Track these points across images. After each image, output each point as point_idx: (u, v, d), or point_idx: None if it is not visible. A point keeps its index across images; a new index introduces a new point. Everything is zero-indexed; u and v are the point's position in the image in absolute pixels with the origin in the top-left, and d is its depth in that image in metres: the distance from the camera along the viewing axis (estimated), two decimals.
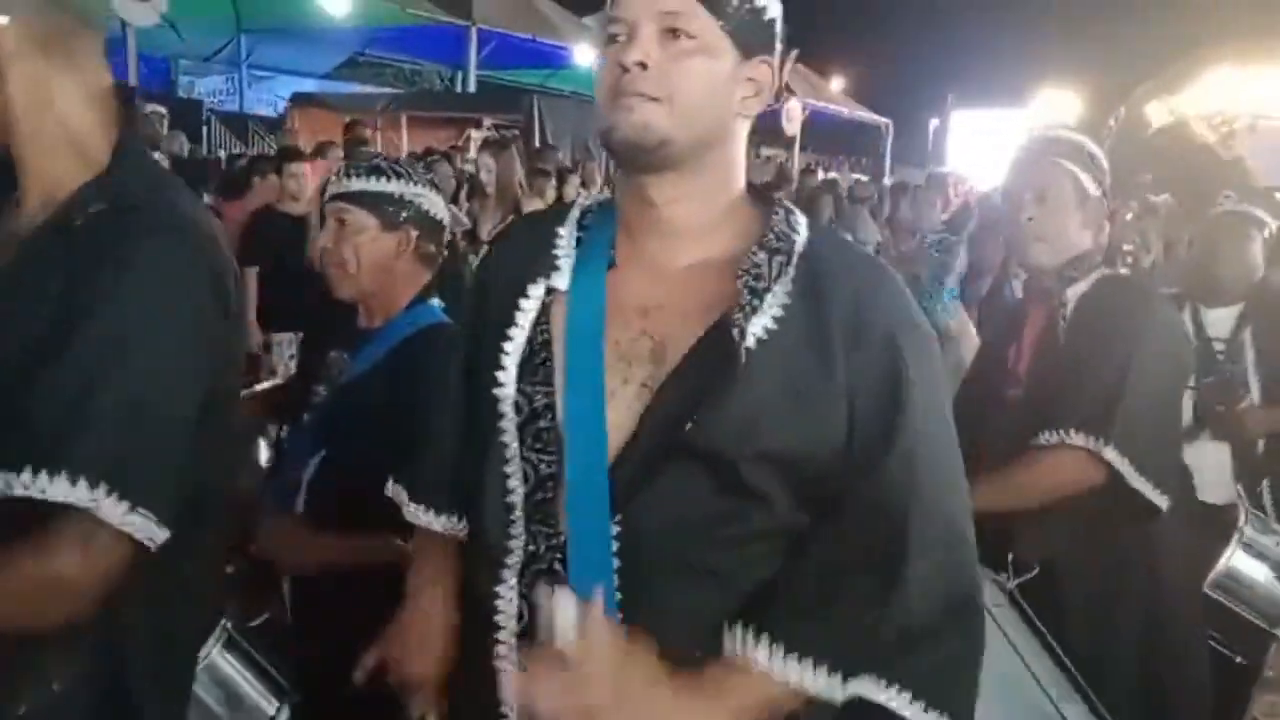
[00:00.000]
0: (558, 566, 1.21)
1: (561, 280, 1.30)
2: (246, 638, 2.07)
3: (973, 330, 6.06)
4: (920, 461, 1.19)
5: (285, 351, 5.48)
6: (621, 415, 1.21)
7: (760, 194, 1.33)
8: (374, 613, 1.64)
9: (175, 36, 14.92)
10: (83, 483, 1.15)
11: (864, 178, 15.38)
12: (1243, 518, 2.68)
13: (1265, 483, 3.08)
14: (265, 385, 3.20)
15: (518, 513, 1.26)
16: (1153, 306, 2.16)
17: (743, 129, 1.29)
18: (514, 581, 1.25)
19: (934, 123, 23.93)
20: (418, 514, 1.46)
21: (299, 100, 14.82)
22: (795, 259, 1.23)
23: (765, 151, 24.55)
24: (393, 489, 1.52)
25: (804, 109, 16.58)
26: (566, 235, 1.34)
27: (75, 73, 1.32)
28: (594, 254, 1.31)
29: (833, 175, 15.60)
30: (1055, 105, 20.34)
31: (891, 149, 24.62)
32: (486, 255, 1.48)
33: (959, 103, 21.08)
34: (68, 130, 1.31)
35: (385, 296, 2.12)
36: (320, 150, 6.98)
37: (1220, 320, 3.21)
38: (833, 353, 1.18)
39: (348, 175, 2.12)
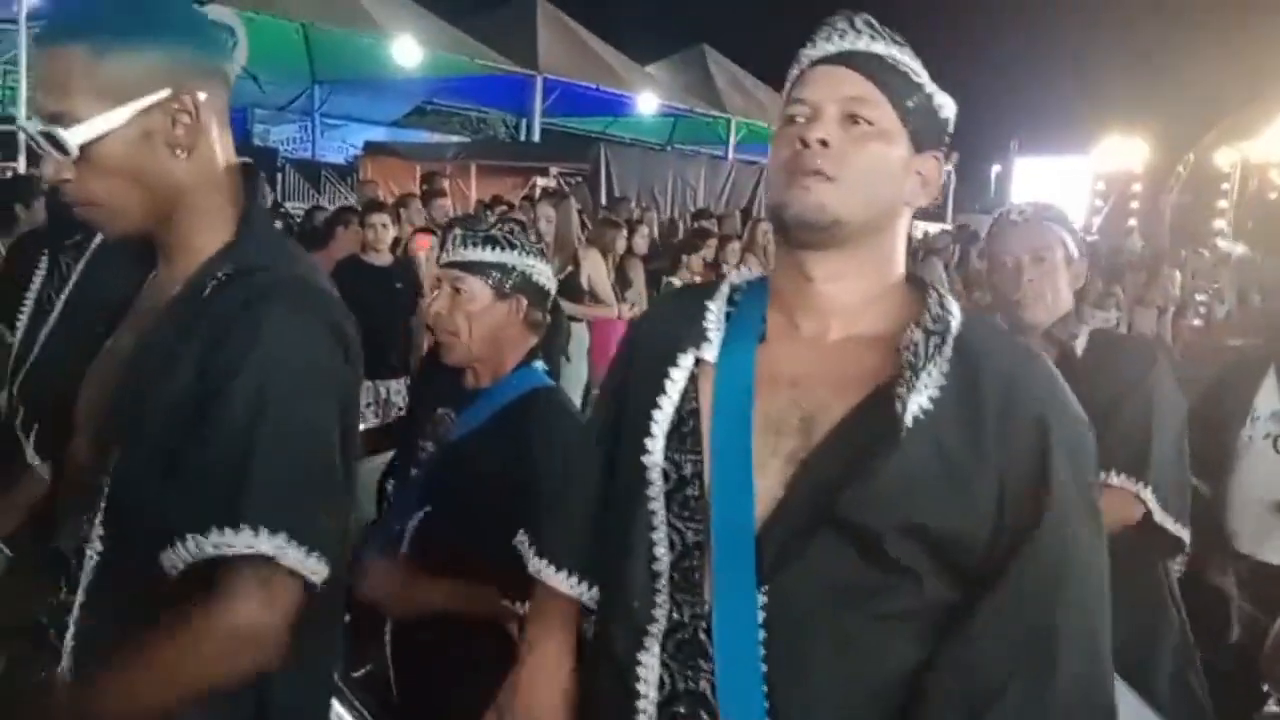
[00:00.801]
0: (702, 636, 1.22)
1: (710, 352, 1.32)
2: (350, 689, 2.14)
3: None
4: (1067, 545, 1.19)
5: (368, 396, 5.64)
6: (770, 485, 1.22)
7: (916, 279, 1.35)
8: (474, 671, 1.68)
9: (254, 87, 15.41)
10: (264, 532, 1.21)
11: (934, 228, 15.29)
12: None
13: None
14: (367, 426, 3.30)
15: (663, 580, 1.27)
16: (1154, 355, 2.31)
17: (907, 218, 1.33)
18: (657, 650, 1.25)
19: (996, 169, 23.84)
20: (542, 569, 1.46)
21: (371, 149, 15.19)
22: (950, 340, 1.24)
23: None
24: (520, 540, 1.55)
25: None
26: (716, 309, 1.36)
27: (226, 143, 1.39)
28: (744, 327, 1.34)
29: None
30: (1121, 151, 20.18)
31: (954, 195, 24.52)
32: (634, 324, 1.52)
33: (1023, 149, 20.99)
34: (214, 201, 1.37)
35: (494, 361, 2.17)
36: (402, 202, 7.18)
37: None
38: (985, 432, 1.19)
39: (464, 244, 2.18)
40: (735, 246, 8.26)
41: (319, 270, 1.48)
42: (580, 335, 6.15)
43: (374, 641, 2.18)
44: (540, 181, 15.30)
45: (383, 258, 5.79)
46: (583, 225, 10.98)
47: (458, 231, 2.26)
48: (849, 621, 1.18)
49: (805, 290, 1.31)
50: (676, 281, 6.67)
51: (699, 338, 1.33)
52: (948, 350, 1.23)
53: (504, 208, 8.48)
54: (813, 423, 1.23)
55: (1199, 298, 16.11)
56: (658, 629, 1.26)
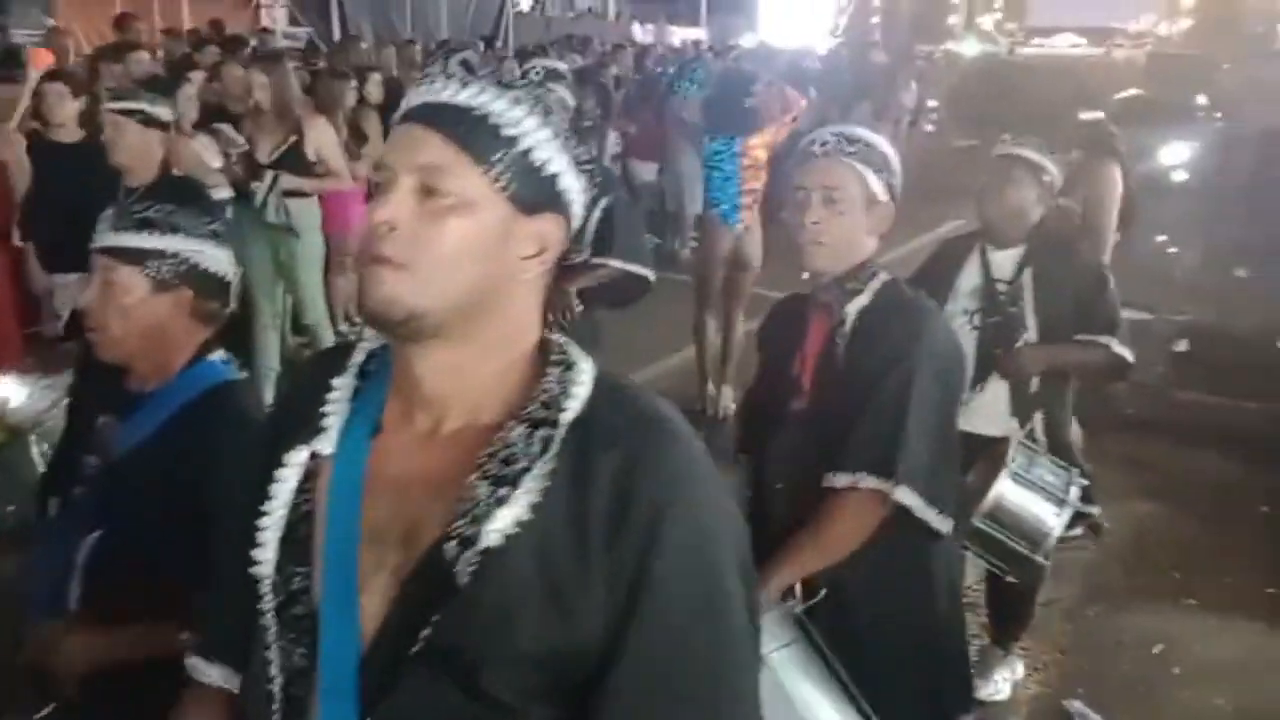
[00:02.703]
0: None
1: (326, 444, 1.18)
2: None
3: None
4: (663, 662, 1.07)
5: (72, 295, 5.09)
6: (374, 606, 1.10)
7: (549, 346, 1.19)
8: (164, 700, 1.54)
9: None
10: None
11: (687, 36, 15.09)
12: (1012, 450, 2.82)
13: (1038, 416, 3.24)
14: None
15: (276, 704, 1.15)
16: (926, 326, 2.15)
17: (528, 289, 1.16)
18: None
19: None
20: (191, 664, 1.37)
21: None
22: (563, 429, 1.10)
23: (579, 2, 23.84)
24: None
25: None
26: (341, 389, 1.21)
27: None
28: (365, 413, 1.19)
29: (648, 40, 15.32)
30: None
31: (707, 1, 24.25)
32: (271, 410, 1.34)
33: None
34: None
35: (156, 359, 1.92)
36: (98, 56, 6.30)
37: (1004, 262, 3.28)
38: (591, 543, 1.05)
39: (114, 227, 1.89)
40: None
41: None
42: (310, 210, 5.68)
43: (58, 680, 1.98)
44: (263, 0, 13.97)
45: (69, 133, 5.09)
46: (316, 53, 10.20)
47: (110, 212, 1.94)
48: None
49: (412, 382, 1.15)
50: None
51: (314, 429, 1.18)
52: (556, 445, 1.09)
53: (214, 50, 7.62)
54: (415, 535, 1.10)
55: (931, 104, 16.90)
56: None
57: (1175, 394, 6.80)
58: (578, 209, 1.18)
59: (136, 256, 1.88)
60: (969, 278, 3.32)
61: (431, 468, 1.13)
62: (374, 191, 1.13)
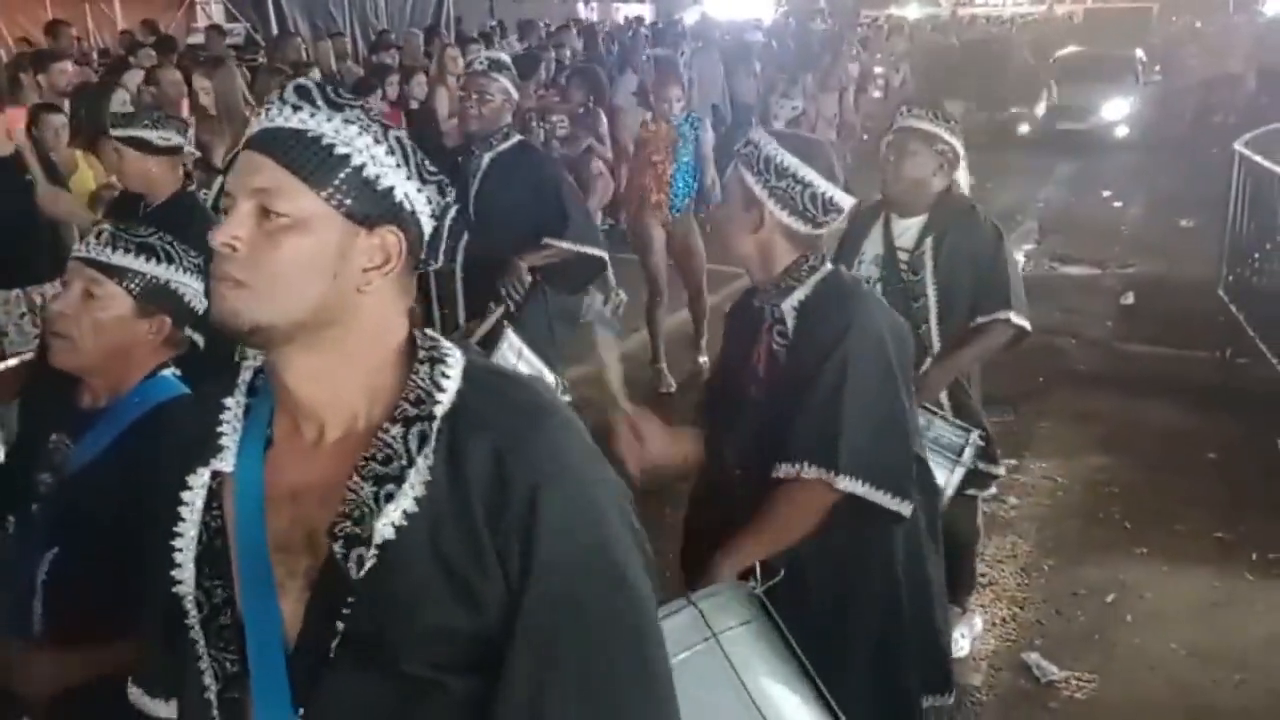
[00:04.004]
0: None
1: (226, 463, 1.23)
2: None
3: None
4: (556, 643, 1.13)
5: (15, 310, 5.02)
6: (291, 609, 1.17)
7: (415, 344, 1.23)
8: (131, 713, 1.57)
9: None
10: None
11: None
12: None
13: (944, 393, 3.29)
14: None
15: (214, 711, 1.23)
16: (858, 311, 2.18)
17: (379, 297, 1.19)
18: None
19: None
20: (135, 695, 1.42)
21: None
22: (438, 423, 1.15)
23: None
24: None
25: None
26: (233, 408, 1.26)
27: None
28: (256, 429, 1.24)
29: None
30: None
31: None
32: (164, 437, 1.38)
33: None
34: None
35: (114, 376, 1.94)
36: (16, 65, 6.19)
37: (906, 230, 3.34)
38: (477, 527, 1.12)
39: (112, 244, 1.90)
40: (422, 79, 7.81)
41: None
42: None
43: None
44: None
45: (4, 147, 5.02)
46: (255, 49, 10.06)
47: (106, 228, 1.96)
48: None
49: (286, 391, 1.21)
50: None
51: (214, 448, 1.24)
52: (433, 437, 1.15)
53: (150, 51, 7.52)
54: (315, 539, 1.16)
55: (877, 70, 16.99)
56: None
57: (1123, 346, 6.95)
58: (424, 219, 1.21)
59: (128, 276, 1.90)
60: (873, 245, 3.39)
61: (320, 475, 1.18)
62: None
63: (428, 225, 1.22)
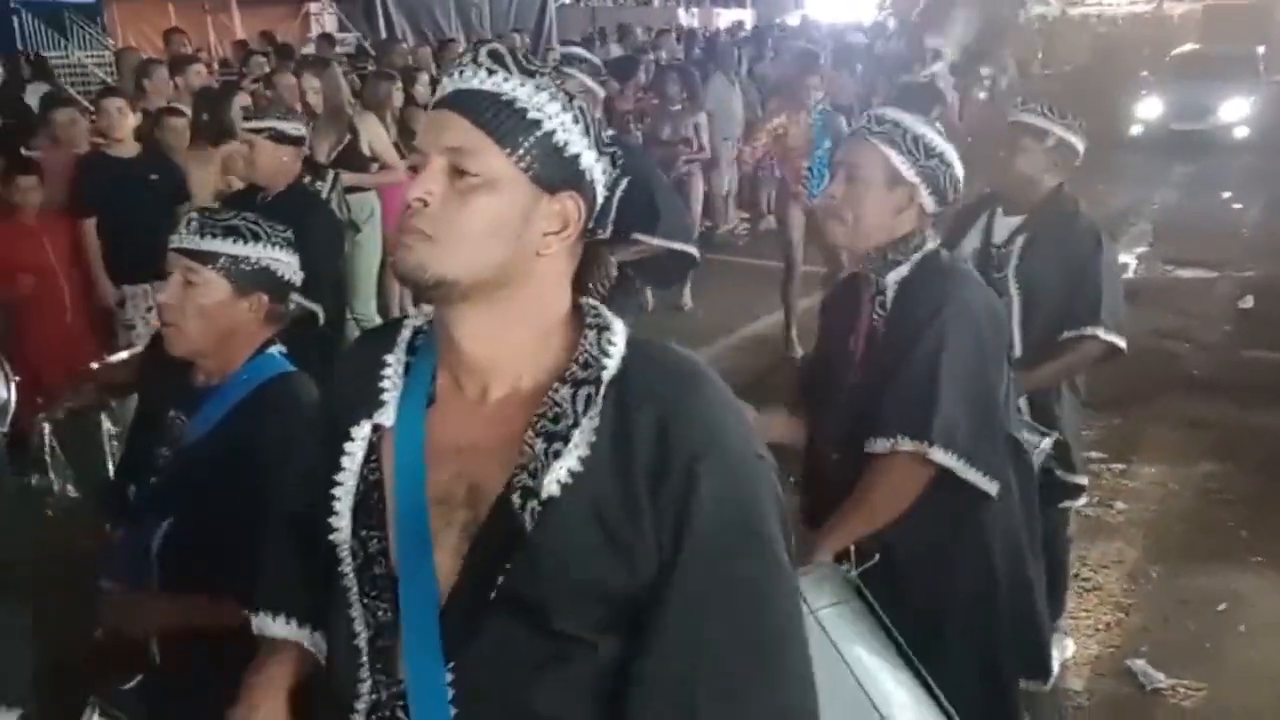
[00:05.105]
0: (401, 715, 1.21)
1: (388, 416, 1.27)
2: (125, 700, 2.07)
3: None
4: (707, 610, 1.15)
5: (141, 305, 5.26)
6: (447, 561, 1.20)
7: (585, 310, 1.27)
8: (239, 673, 1.64)
9: None
10: None
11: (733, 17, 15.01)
12: None
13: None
14: (115, 359, 3.09)
15: (364, 658, 1.25)
16: (956, 289, 2.17)
17: (554, 262, 1.23)
18: None
19: None
20: (255, 623, 1.45)
21: None
22: (604, 387, 1.19)
23: None
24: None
25: None
26: (394, 364, 1.30)
27: None
28: (418, 386, 1.28)
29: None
30: None
31: None
32: (325, 389, 1.42)
33: None
34: None
35: (222, 356, 2.02)
36: (144, 72, 6.48)
37: (1005, 227, 3.25)
38: (637, 491, 1.15)
39: (201, 231, 1.99)
40: None
41: None
42: (369, 203, 5.85)
43: (139, 650, 2.10)
44: (312, 9, 14.22)
45: (126, 148, 5.28)
46: (365, 57, 10.37)
47: (194, 216, 2.05)
48: (532, 693, 1.17)
49: (456, 349, 1.24)
50: None
51: (375, 403, 1.27)
52: (599, 402, 1.18)
53: (262, 59, 7.80)
54: (479, 494, 1.20)
55: (984, 71, 16.66)
56: (363, 705, 1.24)
57: (1240, 352, 6.68)
58: (599, 188, 1.25)
59: (220, 261, 1.98)
60: (971, 240, 3.32)
61: (485, 432, 1.22)
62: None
63: (601, 194, 1.26)
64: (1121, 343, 3.11)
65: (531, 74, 1.19)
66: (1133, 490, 4.83)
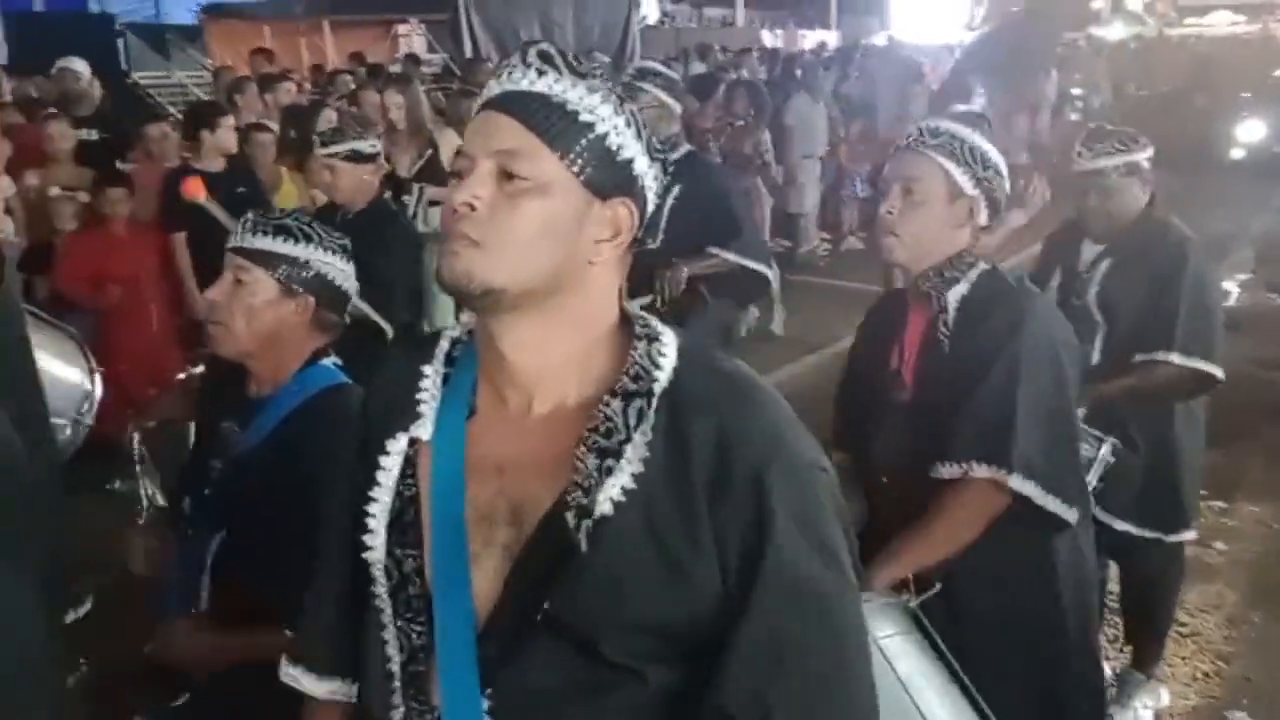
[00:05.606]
0: None
1: (424, 430, 1.21)
2: (171, 719, 2.04)
3: None
4: (784, 623, 1.10)
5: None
6: (486, 582, 1.14)
7: (633, 321, 1.20)
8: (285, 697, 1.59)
9: None
10: None
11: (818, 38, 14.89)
12: None
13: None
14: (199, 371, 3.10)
15: (396, 682, 1.20)
16: (1029, 312, 2.07)
17: (604, 269, 1.16)
18: None
19: None
20: (293, 676, 1.39)
21: (211, 12, 14.09)
22: (656, 400, 1.13)
23: (708, 12, 23.87)
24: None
25: None
26: (432, 376, 1.24)
27: None
28: (457, 398, 1.21)
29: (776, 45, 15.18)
30: None
31: (838, 3, 23.94)
32: (363, 400, 1.36)
33: None
34: None
35: (271, 362, 1.98)
36: (235, 88, 6.62)
37: (1093, 252, 3.14)
38: (697, 508, 1.09)
39: (253, 230, 1.97)
40: None
41: None
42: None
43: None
44: (401, 30, 14.48)
45: (214, 162, 5.37)
46: (451, 77, 10.49)
47: (250, 216, 2.04)
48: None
49: (497, 360, 1.18)
50: None
51: (411, 415, 1.22)
52: (651, 416, 1.12)
53: (347, 77, 7.92)
54: (522, 512, 1.14)
55: (1075, 92, 16.25)
56: None
57: None
58: (651, 195, 1.19)
59: (270, 260, 1.95)
60: (1064, 263, 3.23)
61: (531, 447, 1.15)
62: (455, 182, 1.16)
63: (653, 202, 1.20)
64: (1211, 369, 2.93)
65: (583, 75, 1.14)
66: (1234, 529, 4.58)
